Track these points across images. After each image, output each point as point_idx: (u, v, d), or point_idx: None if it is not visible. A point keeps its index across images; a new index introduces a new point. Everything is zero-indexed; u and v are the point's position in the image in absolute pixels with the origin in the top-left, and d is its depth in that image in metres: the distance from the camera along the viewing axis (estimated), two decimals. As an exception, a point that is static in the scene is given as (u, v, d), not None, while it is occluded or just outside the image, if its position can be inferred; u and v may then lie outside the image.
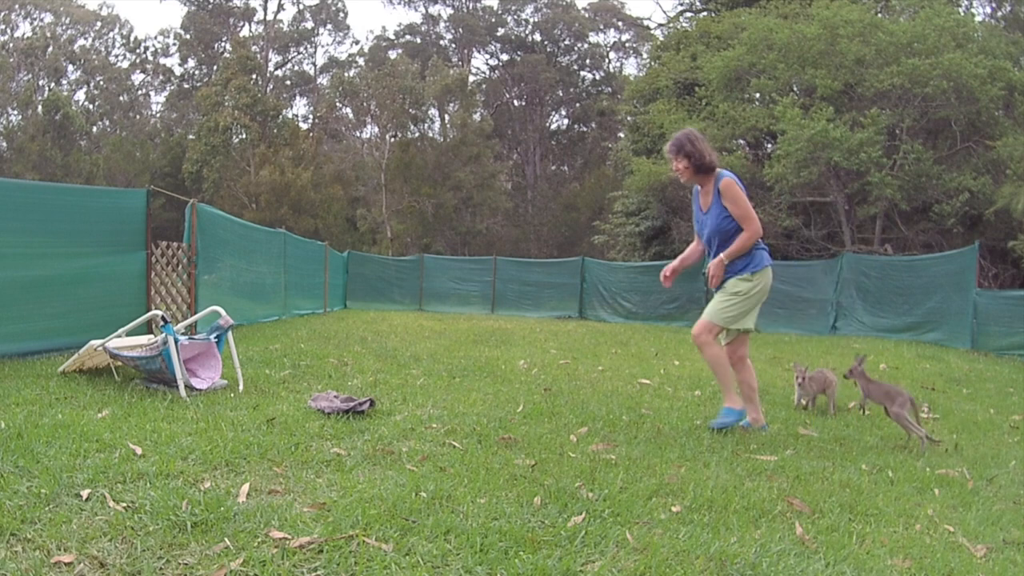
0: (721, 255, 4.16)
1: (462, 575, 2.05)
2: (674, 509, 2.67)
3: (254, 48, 40.60)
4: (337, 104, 38.60)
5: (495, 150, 38.51)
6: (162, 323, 4.50)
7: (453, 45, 47.39)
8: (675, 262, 4.57)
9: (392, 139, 35.67)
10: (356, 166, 38.00)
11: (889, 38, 14.63)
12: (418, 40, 46.95)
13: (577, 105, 45.34)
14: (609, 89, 43.60)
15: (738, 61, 16.73)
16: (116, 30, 46.79)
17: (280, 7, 50.70)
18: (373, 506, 2.47)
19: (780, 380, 6.47)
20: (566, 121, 47.18)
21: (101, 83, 44.91)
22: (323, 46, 57.21)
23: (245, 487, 2.62)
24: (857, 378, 4.68)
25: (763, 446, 3.82)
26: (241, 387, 4.71)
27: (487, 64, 48.42)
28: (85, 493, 2.45)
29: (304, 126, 42.13)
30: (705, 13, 23.75)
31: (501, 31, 46.88)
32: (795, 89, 16.64)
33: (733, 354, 4.30)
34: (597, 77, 46.63)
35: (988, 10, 19.55)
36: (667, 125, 19.10)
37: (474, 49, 47.17)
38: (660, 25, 33.69)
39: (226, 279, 9.86)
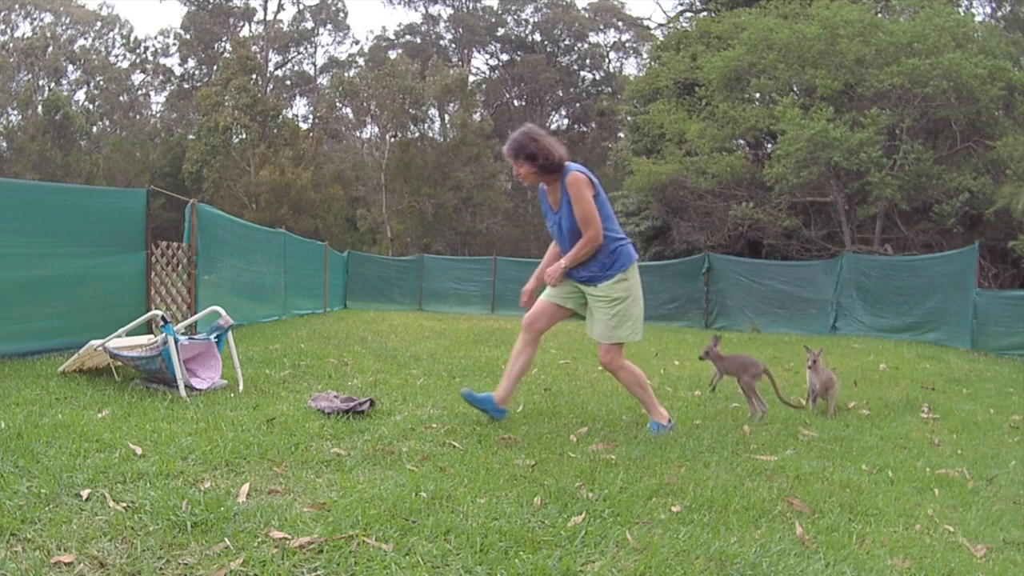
0: (562, 262, 3.84)
1: (462, 575, 2.05)
2: (674, 509, 2.67)
3: (254, 48, 40.60)
4: (337, 104, 38.59)
5: (495, 150, 38.50)
6: (162, 323, 4.50)
7: (453, 45, 47.38)
8: (531, 282, 4.09)
9: (392, 139, 35.67)
10: (356, 166, 37.99)
11: (889, 38, 14.62)
12: (418, 40, 46.94)
13: (577, 105, 45.32)
14: (609, 89, 43.58)
15: (738, 61, 16.73)
16: (116, 30, 46.80)
17: (280, 7, 50.72)
18: (373, 506, 2.47)
19: (780, 380, 6.46)
20: (566, 121, 47.15)
21: (101, 83, 44.90)
22: (323, 46, 57.27)
23: (245, 487, 2.62)
24: (713, 359, 4.67)
25: (763, 446, 3.82)
26: (241, 387, 4.71)
27: (487, 64, 48.46)
28: (85, 493, 2.45)
29: (304, 126, 42.14)
30: (705, 13, 23.75)
31: (501, 31, 46.88)
32: (795, 89, 16.64)
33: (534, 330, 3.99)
34: (597, 77, 46.63)
35: (988, 10, 19.56)
36: (667, 125, 19.12)
37: (474, 49, 47.17)
38: (660, 25, 33.71)
39: (226, 279, 9.86)
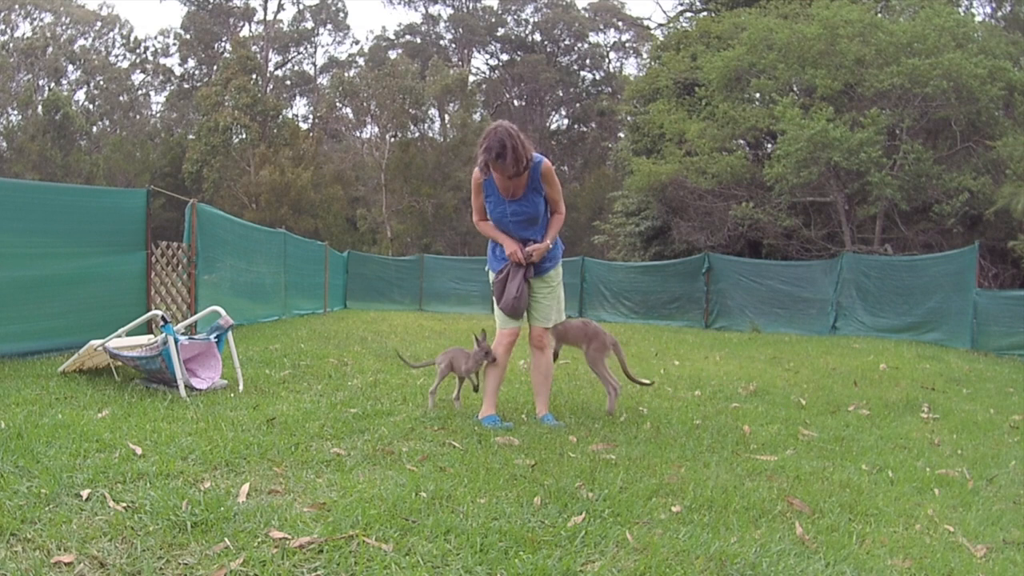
0: (547, 240, 4.00)
1: (462, 575, 2.05)
2: (674, 509, 2.67)
3: (254, 48, 40.61)
4: (337, 104, 38.60)
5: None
6: (162, 323, 4.50)
7: (453, 45, 47.41)
8: (511, 242, 4.03)
9: (392, 139, 35.68)
10: (356, 166, 38.01)
11: (889, 38, 14.63)
12: (418, 40, 46.97)
13: (577, 105, 45.33)
14: (609, 89, 43.61)
15: (738, 61, 16.72)
16: (116, 30, 46.81)
17: (280, 7, 50.69)
18: (373, 506, 2.47)
19: (780, 380, 6.47)
20: (566, 121, 47.18)
21: (101, 83, 44.91)
22: (323, 46, 57.22)
23: (245, 487, 2.62)
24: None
25: (763, 446, 3.82)
26: (241, 387, 4.71)
27: (487, 64, 48.50)
28: (85, 493, 2.45)
29: (304, 126, 42.18)
30: (705, 13, 23.75)
31: (501, 31, 46.90)
32: (795, 89, 16.64)
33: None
34: (597, 77, 46.64)
35: (988, 10, 19.58)
36: (667, 125, 19.12)
37: (474, 49, 47.19)
38: (660, 25, 33.69)
39: (226, 279, 9.85)
